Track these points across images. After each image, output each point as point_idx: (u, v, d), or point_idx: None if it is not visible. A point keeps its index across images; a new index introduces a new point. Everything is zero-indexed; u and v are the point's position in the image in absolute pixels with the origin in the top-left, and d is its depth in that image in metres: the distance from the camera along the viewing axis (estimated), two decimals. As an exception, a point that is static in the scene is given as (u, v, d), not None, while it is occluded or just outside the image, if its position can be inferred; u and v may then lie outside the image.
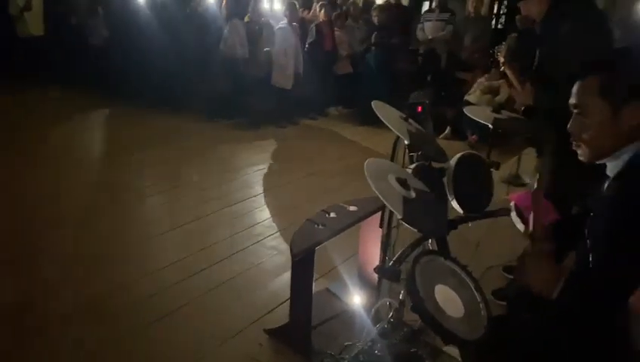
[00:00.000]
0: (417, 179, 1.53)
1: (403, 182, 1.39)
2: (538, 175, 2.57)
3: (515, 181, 4.15)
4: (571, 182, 2.35)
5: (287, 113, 6.38)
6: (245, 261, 3.09)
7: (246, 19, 6.29)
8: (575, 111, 1.36)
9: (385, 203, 1.28)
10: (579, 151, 1.39)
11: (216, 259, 3.07)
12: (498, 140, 3.52)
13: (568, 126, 1.38)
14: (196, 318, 2.48)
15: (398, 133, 1.72)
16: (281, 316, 2.39)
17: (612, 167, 1.34)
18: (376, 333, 1.31)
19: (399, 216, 1.27)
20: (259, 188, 4.34)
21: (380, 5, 6.70)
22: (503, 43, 2.45)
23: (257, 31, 6.23)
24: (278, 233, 3.49)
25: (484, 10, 6.87)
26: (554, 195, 2.30)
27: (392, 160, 1.94)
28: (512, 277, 2.83)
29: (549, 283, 1.31)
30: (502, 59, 2.35)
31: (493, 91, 5.79)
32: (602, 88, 1.28)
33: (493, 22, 7.84)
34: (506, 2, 7.89)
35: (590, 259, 1.39)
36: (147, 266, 2.93)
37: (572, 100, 1.36)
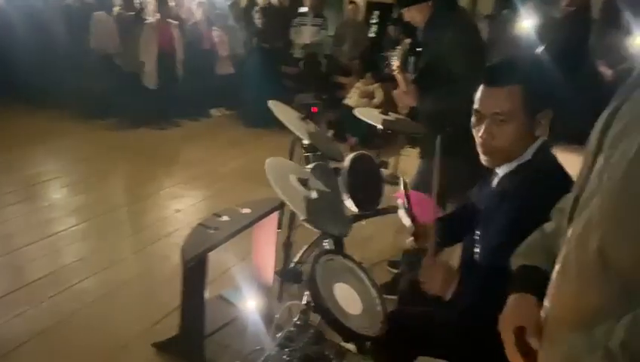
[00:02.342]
0: (316, 178, 1.53)
1: (304, 182, 1.38)
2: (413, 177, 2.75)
3: (393, 181, 4.39)
4: (454, 180, 2.54)
5: (167, 114, 6.07)
6: (127, 271, 2.88)
7: (116, 9, 5.88)
8: (491, 118, 1.35)
9: (288, 204, 1.26)
10: (485, 158, 1.40)
11: (94, 271, 2.82)
12: (379, 141, 3.69)
13: (481, 132, 1.37)
14: (75, 336, 2.25)
15: (297, 133, 1.71)
16: (171, 327, 2.25)
17: (504, 167, 1.41)
18: (283, 337, 1.27)
19: (302, 217, 1.26)
20: (140, 193, 4.06)
21: (262, 8, 6.67)
22: (398, 48, 2.54)
23: (130, 24, 5.84)
24: (163, 239, 3.30)
25: (360, 17, 7.18)
26: (438, 195, 2.46)
27: (290, 159, 1.92)
28: (397, 271, 2.99)
29: (443, 285, 1.37)
30: (397, 64, 2.45)
31: (369, 95, 6.08)
32: (524, 97, 1.31)
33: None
34: (377, 12, 8.32)
35: (478, 251, 1.50)
36: (15, 281, 2.62)
37: (488, 108, 1.36)
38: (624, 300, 0.73)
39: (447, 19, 2.45)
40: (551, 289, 0.91)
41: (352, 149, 5.66)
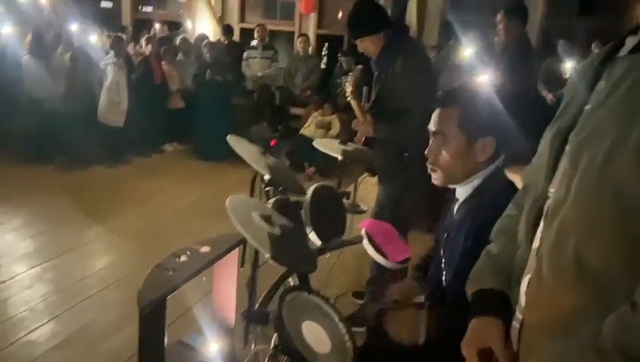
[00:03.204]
0: (278, 213, 1.49)
1: (267, 219, 1.34)
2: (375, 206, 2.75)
3: (353, 209, 4.39)
4: (413, 206, 2.56)
5: (116, 151, 5.87)
6: (74, 321, 2.70)
7: (59, 50, 5.75)
8: (435, 137, 1.44)
9: (253, 243, 1.21)
10: (433, 175, 1.47)
11: (44, 321, 2.63)
12: (336, 170, 3.69)
13: (426, 151, 1.45)
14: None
15: (257, 168, 1.67)
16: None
17: (462, 192, 1.46)
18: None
19: (267, 256, 1.21)
20: (88, 236, 3.86)
21: (210, 42, 6.68)
22: (350, 74, 2.58)
23: (72, 64, 5.71)
24: (115, 284, 3.13)
25: (311, 50, 7.29)
26: (398, 220, 2.47)
27: (251, 195, 1.87)
28: (362, 302, 2.95)
29: (414, 332, 1.36)
30: (350, 89, 2.48)
31: (326, 126, 6.13)
32: (460, 121, 1.39)
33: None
34: (327, 44, 8.50)
35: (444, 279, 1.49)
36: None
37: (432, 127, 1.44)
38: (601, 301, 0.78)
39: (398, 48, 2.52)
40: (525, 300, 0.93)
41: (310, 179, 5.67)
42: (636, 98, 0.76)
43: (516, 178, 1.50)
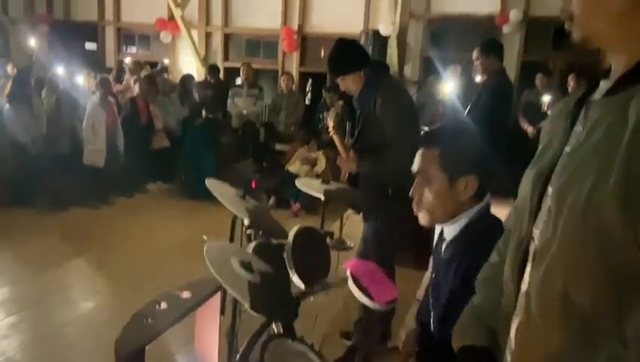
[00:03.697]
0: (259, 258, 1.45)
1: (247, 266, 1.30)
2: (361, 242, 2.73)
3: (339, 246, 4.35)
4: (399, 242, 2.54)
5: (99, 192, 5.79)
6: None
7: (43, 94, 5.74)
8: (418, 177, 1.44)
9: (232, 293, 1.17)
10: (419, 216, 1.46)
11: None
12: (322, 206, 3.66)
13: (411, 191, 1.45)
14: None
15: (237, 213, 1.64)
16: None
17: (449, 231, 1.45)
18: None
19: (247, 306, 1.17)
20: (68, 281, 3.75)
21: (199, 82, 6.75)
22: (332, 110, 2.61)
23: (56, 106, 5.71)
24: (95, 331, 3.02)
25: (294, 87, 7.38)
26: (384, 257, 2.44)
27: (231, 240, 1.83)
28: (350, 342, 2.88)
29: None
30: (332, 124, 2.50)
31: (312, 162, 6.14)
32: (441, 160, 1.39)
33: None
34: (310, 80, 8.63)
35: (432, 320, 1.46)
36: None
37: (415, 167, 1.45)
38: (589, 341, 0.78)
39: (378, 86, 2.55)
40: (514, 343, 0.93)
41: (296, 216, 5.63)
42: (612, 142, 0.76)
43: (500, 213, 1.49)
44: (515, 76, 6.78)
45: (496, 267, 1.09)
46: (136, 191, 6.31)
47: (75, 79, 6.53)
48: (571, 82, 5.98)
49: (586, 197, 0.77)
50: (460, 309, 1.15)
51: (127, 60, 7.79)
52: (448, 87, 6.02)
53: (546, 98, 6.21)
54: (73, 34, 8.68)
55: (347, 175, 2.64)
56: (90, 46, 9.23)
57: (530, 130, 6.20)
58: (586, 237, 0.77)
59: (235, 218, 1.84)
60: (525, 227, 0.94)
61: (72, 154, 5.65)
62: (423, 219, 1.46)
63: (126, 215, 5.52)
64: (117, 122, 5.96)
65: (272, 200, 6.12)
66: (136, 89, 6.45)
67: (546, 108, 6.22)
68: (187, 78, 7.38)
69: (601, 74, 0.89)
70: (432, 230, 1.55)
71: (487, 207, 1.45)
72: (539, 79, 6.32)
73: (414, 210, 1.47)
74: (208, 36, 8.30)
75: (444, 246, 1.47)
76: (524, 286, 0.93)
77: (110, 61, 8.89)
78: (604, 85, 0.86)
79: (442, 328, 1.38)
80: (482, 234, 1.37)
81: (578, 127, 0.86)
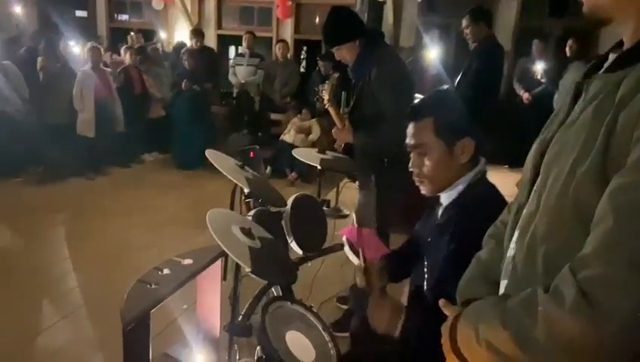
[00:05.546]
0: (259, 225, 1.50)
1: (247, 232, 1.35)
2: (355, 211, 2.78)
3: (335, 214, 4.41)
4: (394, 210, 2.59)
5: (94, 163, 5.80)
6: (57, 339, 2.65)
7: (40, 62, 5.66)
8: (415, 151, 1.47)
9: (233, 258, 1.22)
10: (421, 188, 1.50)
11: (20, 342, 2.58)
12: (318, 175, 3.71)
13: (410, 164, 1.48)
14: None
15: (237, 183, 1.68)
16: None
17: (446, 197, 1.49)
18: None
19: (248, 270, 1.22)
20: (67, 251, 3.78)
21: (189, 50, 6.64)
22: (327, 82, 2.60)
23: (53, 75, 5.63)
24: (96, 300, 3.08)
25: (290, 55, 7.30)
26: (379, 226, 2.50)
27: (231, 208, 1.88)
28: (346, 307, 2.97)
29: (391, 322, 1.37)
30: (327, 97, 2.51)
31: (306, 130, 6.15)
32: (436, 128, 1.42)
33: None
34: (305, 48, 8.53)
35: (425, 284, 1.52)
36: None
37: (410, 141, 1.47)
38: None
39: (374, 55, 2.55)
40: None
41: (292, 185, 5.68)
42: (599, 119, 0.77)
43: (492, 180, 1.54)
44: (512, 43, 6.74)
45: (504, 224, 1.11)
46: (132, 162, 6.33)
47: (68, 48, 6.42)
48: (571, 47, 5.93)
49: (567, 173, 0.79)
50: (453, 277, 1.17)
51: (133, 34, 7.58)
52: (442, 53, 5.99)
53: (540, 66, 6.20)
54: (63, 1, 8.49)
55: (342, 145, 2.66)
56: (80, 13, 9.05)
57: (525, 96, 6.21)
58: (562, 210, 0.79)
59: (235, 187, 1.88)
60: (524, 196, 0.97)
61: (70, 125, 5.62)
62: (425, 189, 1.49)
63: (122, 186, 5.55)
64: (111, 92, 5.89)
65: (268, 169, 6.16)
66: (127, 59, 6.38)
67: (539, 76, 6.22)
68: (178, 47, 7.27)
69: (611, 48, 0.87)
70: (426, 197, 1.59)
71: (484, 172, 1.48)
72: (535, 45, 6.28)
73: (416, 182, 1.50)
74: (201, 3, 8.16)
75: (440, 212, 1.51)
76: (510, 252, 0.97)
77: (102, 29, 8.74)
78: (612, 58, 0.86)
79: (437, 291, 1.43)
80: (478, 200, 1.42)
81: (579, 101, 0.87)
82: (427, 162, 1.44)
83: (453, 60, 6.48)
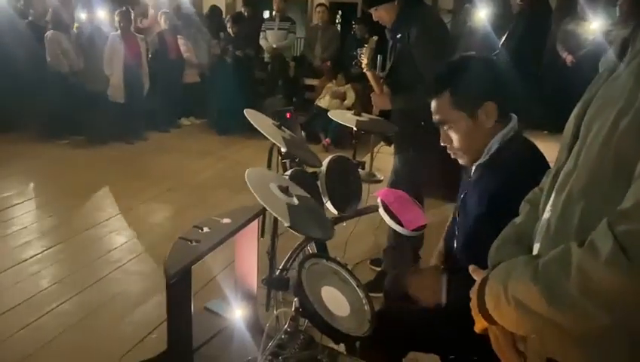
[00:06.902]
0: (295, 185, 1.53)
1: (285, 190, 1.39)
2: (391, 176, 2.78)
3: (369, 179, 4.42)
4: (429, 174, 2.58)
5: (133, 128, 5.94)
6: (105, 291, 2.82)
7: (74, 28, 5.77)
8: (441, 126, 1.47)
9: (272, 213, 1.26)
10: (459, 159, 1.50)
11: (73, 293, 2.76)
12: (352, 140, 3.72)
13: (441, 140, 1.48)
14: (60, 359, 2.21)
15: (274, 141, 1.71)
16: (154, 345, 2.22)
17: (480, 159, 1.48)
18: (274, 345, 1.27)
19: (287, 225, 1.26)
20: (112, 211, 3.96)
21: (233, 16, 6.62)
22: (365, 46, 2.57)
23: (86, 41, 5.74)
24: (140, 256, 3.24)
25: (329, 19, 7.19)
26: (415, 189, 2.50)
27: (268, 167, 1.92)
28: (379, 269, 3.02)
29: (436, 293, 1.40)
30: (365, 62, 2.48)
31: (341, 96, 6.11)
32: (454, 101, 1.41)
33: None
34: (340, 12, 8.37)
35: (455, 242, 1.53)
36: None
37: (435, 117, 1.47)
38: None
39: (413, 17, 2.49)
40: None
41: (326, 150, 5.70)
42: None
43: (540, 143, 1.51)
44: (556, 2, 6.44)
45: (541, 190, 1.09)
46: (170, 127, 6.45)
47: (100, 13, 6.48)
48: (621, 6, 5.61)
49: (611, 123, 0.76)
50: (484, 238, 1.16)
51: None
52: (484, 14, 5.77)
53: (586, 27, 5.89)
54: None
55: (379, 110, 2.64)
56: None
57: (569, 58, 5.96)
58: (604, 167, 0.77)
59: (272, 147, 1.91)
60: (563, 158, 0.95)
61: (105, 91, 5.74)
62: (462, 161, 1.50)
63: (161, 150, 5.69)
64: (141, 57, 5.88)
65: (302, 134, 6.17)
66: (163, 23, 6.40)
67: (585, 38, 5.92)
68: (214, 11, 7.26)
69: None
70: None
71: (517, 130, 1.45)
72: (582, 5, 5.97)
73: (452, 155, 1.51)
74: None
75: (473, 168, 1.51)
76: (546, 215, 0.95)
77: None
78: None
79: (466, 255, 1.44)
80: (510, 159, 1.40)
81: (626, 55, 0.84)
82: (455, 136, 1.44)
83: (498, 22, 6.25)
